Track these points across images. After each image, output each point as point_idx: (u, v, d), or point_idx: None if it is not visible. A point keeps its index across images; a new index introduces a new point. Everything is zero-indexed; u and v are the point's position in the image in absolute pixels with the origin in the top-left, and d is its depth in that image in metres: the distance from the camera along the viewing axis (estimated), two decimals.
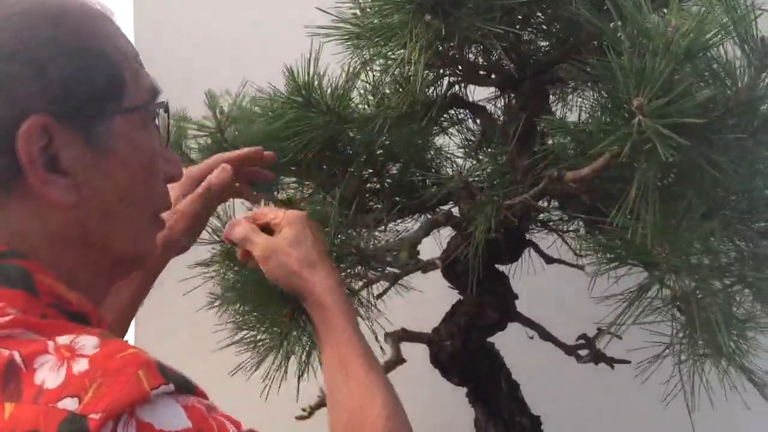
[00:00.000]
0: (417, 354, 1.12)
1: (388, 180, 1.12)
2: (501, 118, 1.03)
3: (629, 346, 0.96)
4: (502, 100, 1.07)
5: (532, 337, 1.10)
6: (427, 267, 1.06)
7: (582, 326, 1.08)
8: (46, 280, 0.60)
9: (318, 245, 0.86)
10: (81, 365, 0.54)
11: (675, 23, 0.77)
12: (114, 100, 0.64)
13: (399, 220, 1.12)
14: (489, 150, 1.03)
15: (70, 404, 0.52)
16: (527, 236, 1.08)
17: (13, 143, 0.59)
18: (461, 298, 1.11)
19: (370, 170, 1.12)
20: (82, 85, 0.62)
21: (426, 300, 1.16)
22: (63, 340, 0.55)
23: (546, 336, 1.08)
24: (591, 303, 0.99)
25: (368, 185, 1.11)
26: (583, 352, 1.04)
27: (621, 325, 0.93)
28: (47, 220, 0.62)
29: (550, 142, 1.05)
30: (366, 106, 1.04)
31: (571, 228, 1.14)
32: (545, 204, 1.06)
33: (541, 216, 1.10)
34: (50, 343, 0.55)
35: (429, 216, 1.07)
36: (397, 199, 1.10)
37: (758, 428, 1.52)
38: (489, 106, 1.08)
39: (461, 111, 1.08)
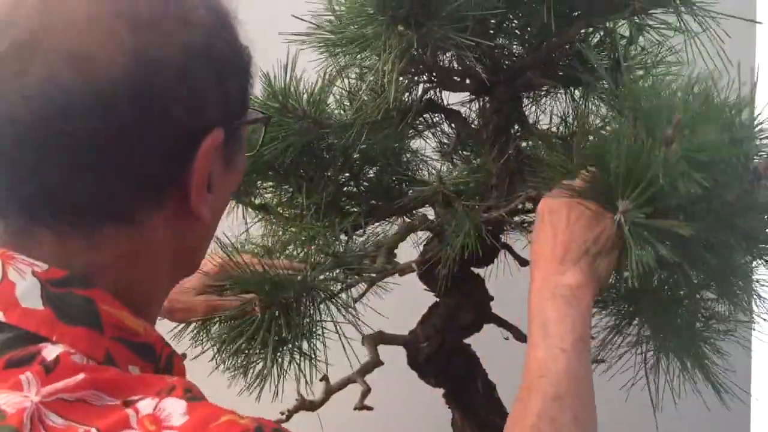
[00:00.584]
0: (395, 356, 1.14)
1: (365, 183, 1.14)
2: (475, 122, 1.05)
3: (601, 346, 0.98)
4: (477, 104, 1.09)
5: (507, 338, 1.11)
6: (403, 270, 1.08)
7: None
8: (112, 310, 0.54)
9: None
10: None
11: (678, 118, 0.75)
12: (246, 111, 0.61)
13: (376, 224, 1.13)
14: (464, 153, 1.05)
15: None
16: (501, 239, 1.09)
17: (182, 156, 0.53)
18: (437, 300, 1.13)
19: (347, 174, 1.13)
20: (241, 96, 0.59)
21: (403, 302, 1.17)
22: (145, 407, 0.48)
23: (521, 337, 1.10)
24: None
25: (345, 189, 1.12)
26: None
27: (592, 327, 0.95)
28: (176, 242, 0.57)
29: (524, 144, 1.07)
30: (342, 112, 1.05)
31: None
32: (520, 206, 1.08)
33: (516, 218, 1.12)
34: (131, 413, 0.47)
35: (406, 219, 1.09)
36: (374, 202, 1.11)
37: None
38: (464, 110, 1.10)
39: (436, 115, 1.10)
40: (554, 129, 1.08)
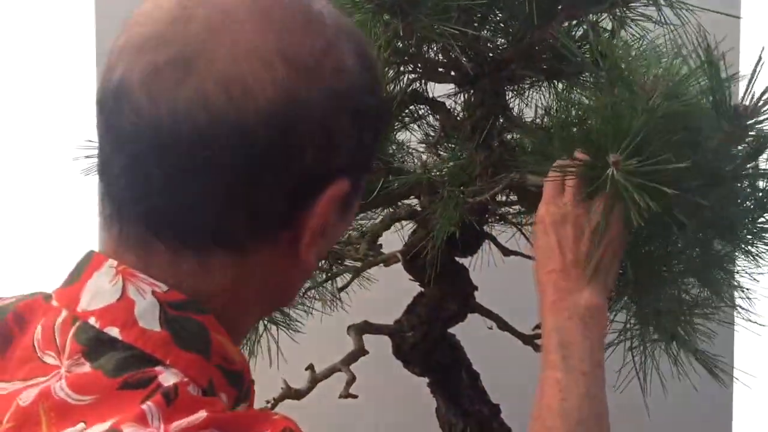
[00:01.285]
0: (380, 345, 1.15)
1: None
2: (460, 115, 1.06)
3: None
4: (462, 97, 1.10)
5: (491, 328, 1.13)
6: (388, 260, 1.09)
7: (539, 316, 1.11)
8: (219, 337, 0.54)
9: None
10: None
11: (655, 76, 0.79)
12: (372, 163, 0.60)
13: (362, 215, 1.14)
14: (449, 145, 1.06)
15: None
16: (485, 229, 1.11)
17: (303, 199, 0.53)
18: (422, 290, 1.14)
19: None
20: (373, 148, 0.57)
21: (389, 293, 1.18)
22: None
23: (504, 326, 1.11)
24: None
25: None
26: (540, 342, 1.07)
27: None
28: (275, 278, 0.56)
29: (509, 137, 1.08)
30: None
31: (529, 222, 1.17)
32: (504, 198, 1.09)
33: (500, 210, 1.13)
34: None
35: (391, 210, 1.10)
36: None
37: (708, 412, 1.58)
38: (449, 102, 1.11)
39: (421, 107, 1.11)
40: (538, 121, 1.10)
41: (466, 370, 1.16)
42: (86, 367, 0.50)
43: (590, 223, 0.80)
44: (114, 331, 0.51)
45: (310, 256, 0.55)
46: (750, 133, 0.81)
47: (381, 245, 1.16)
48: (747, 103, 0.80)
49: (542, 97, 1.11)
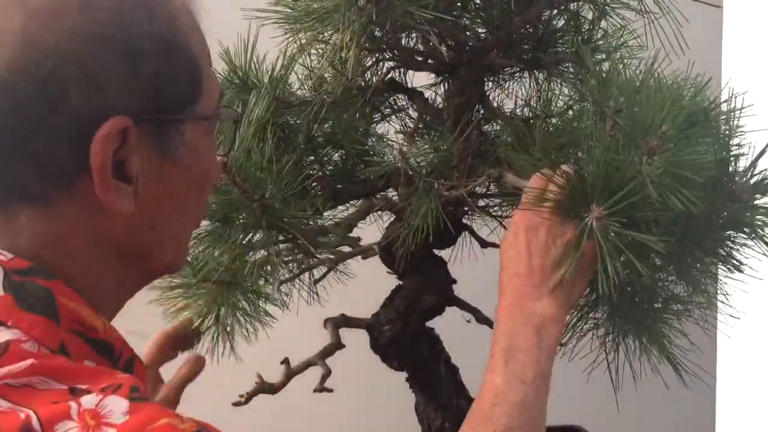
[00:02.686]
0: (358, 340, 1.13)
1: (330, 167, 1.13)
2: (439, 104, 1.05)
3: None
4: (442, 88, 1.09)
5: (469, 321, 1.11)
6: (365, 253, 1.07)
7: None
8: (71, 303, 0.54)
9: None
10: None
11: (665, 130, 0.76)
12: (190, 104, 0.59)
13: (340, 207, 1.13)
14: (427, 136, 1.04)
15: None
16: (465, 221, 1.09)
17: (84, 141, 0.54)
18: (400, 283, 1.12)
19: (311, 157, 1.12)
20: (168, 86, 0.57)
21: (366, 286, 1.17)
22: (88, 402, 0.48)
23: (482, 319, 1.10)
24: None
25: (310, 172, 1.11)
26: None
27: None
28: (92, 227, 0.56)
29: (488, 128, 1.07)
30: (304, 90, 1.04)
31: (508, 214, 1.16)
32: (484, 190, 1.08)
33: (480, 203, 1.12)
34: (73, 406, 0.48)
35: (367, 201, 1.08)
36: (339, 186, 1.11)
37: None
38: (429, 93, 1.10)
39: (400, 97, 1.09)
40: (518, 112, 1.08)
41: (444, 364, 1.14)
42: None
43: (564, 235, 0.77)
44: None
45: (117, 202, 0.55)
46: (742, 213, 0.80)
47: (359, 238, 1.14)
48: (743, 180, 0.80)
49: (522, 88, 1.10)
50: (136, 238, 0.59)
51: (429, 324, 1.14)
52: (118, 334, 0.58)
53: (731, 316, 1.03)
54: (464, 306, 1.13)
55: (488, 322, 1.11)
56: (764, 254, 0.83)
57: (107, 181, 0.55)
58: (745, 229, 0.85)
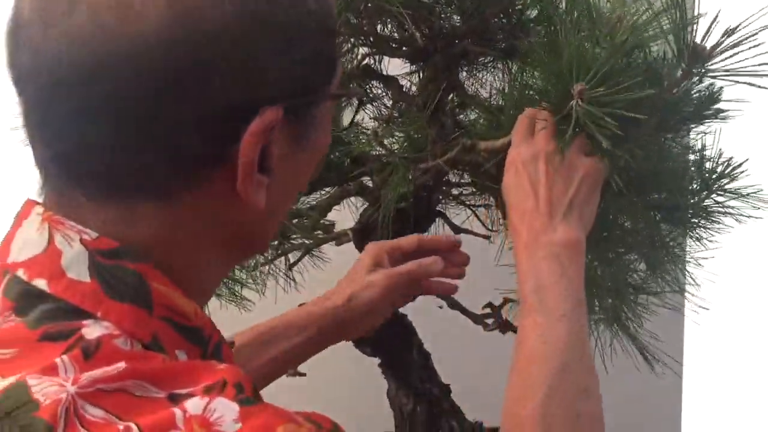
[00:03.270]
0: None
1: None
2: (413, 91, 1.05)
3: None
4: (418, 76, 1.10)
5: (441, 307, 1.12)
6: (339, 238, 1.08)
7: (489, 296, 1.11)
8: (162, 287, 0.49)
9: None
10: None
11: (620, 14, 0.80)
12: (329, 84, 0.53)
13: (315, 194, 1.13)
14: (401, 120, 1.05)
15: None
16: (438, 208, 1.10)
17: (229, 132, 0.48)
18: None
19: None
20: (318, 68, 0.51)
21: (341, 272, 1.17)
22: (193, 407, 0.43)
23: (455, 305, 1.11)
24: (498, 273, 1.03)
25: None
26: (489, 321, 1.08)
27: None
28: (213, 220, 0.51)
29: (461, 116, 1.08)
30: None
31: (481, 203, 1.17)
32: (456, 179, 1.09)
33: (454, 191, 1.13)
34: (177, 413, 0.42)
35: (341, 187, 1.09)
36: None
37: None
38: (405, 82, 1.10)
39: (375, 84, 1.10)
40: (492, 102, 1.10)
41: (417, 350, 1.15)
42: (15, 322, 0.47)
43: (561, 159, 0.76)
44: (41, 283, 0.48)
45: (251, 195, 0.50)
46: (708, 75, 0.81)
47: (333, 224, 1.15)
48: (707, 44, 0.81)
49: (496, 78, 1.11)
50: (255, 227, 0.54)
51: (401, 310, 1.15)
52: (207, 318, 0.53)
53: (700, 306, 1.06)
54: None
55: (460, 308, 1.12)
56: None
57: (252, 176, 0.49)
58: (714, 214, 0.88)
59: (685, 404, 1.89)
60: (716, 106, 0.87)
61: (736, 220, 0.98)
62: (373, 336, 1.14)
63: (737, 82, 0.78)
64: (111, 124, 0.47)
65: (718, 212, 0.98)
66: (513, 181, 0.78)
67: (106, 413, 0.42)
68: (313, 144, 0.54)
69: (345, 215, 1.15)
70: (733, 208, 0.97)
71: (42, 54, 0.47)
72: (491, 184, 1.01)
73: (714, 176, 0.94)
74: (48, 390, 0.43)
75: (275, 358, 0.87)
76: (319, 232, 1.06)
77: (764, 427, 1.73)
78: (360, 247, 1.11)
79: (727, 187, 0.95)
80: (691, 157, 0.99)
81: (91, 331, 0.46)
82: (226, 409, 0.43)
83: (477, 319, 1.09)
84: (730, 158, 0.92)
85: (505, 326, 1.08)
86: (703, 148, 0.97)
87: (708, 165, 0.96)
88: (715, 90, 0.86)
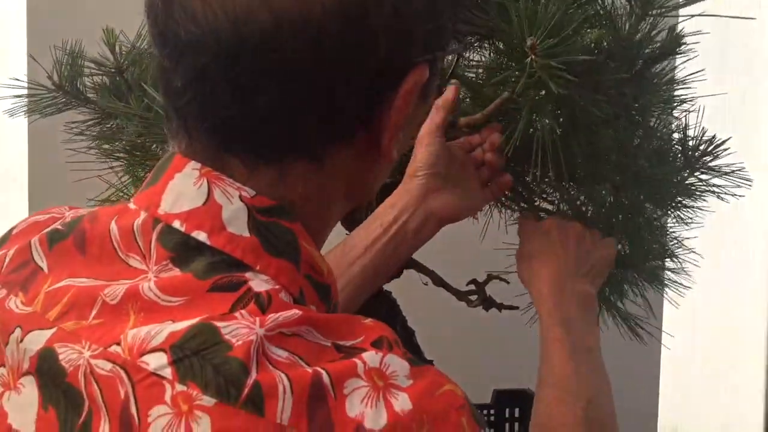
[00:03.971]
0: None
1: None
2: None
3: (517, 292, 1.01)
4: None
5: (426, 284, 1.13)
6: None
7: (474, 273, 1.12)
8: (308, 246, 0.52)
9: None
10: (402, 403, 0.44)
11: None
12: (449, 42, 0.56)
13: None
14: None
15: None
16: None
17: (383, 93, 0.50)
18: None
19: None
20: (448, 25, 0.54)
21: (325, 248, 1.17)
22: (371, 360, 0.45)
23: (439, 282, 1.11)
24: (482, 250, 1.04)
25: None
26: (473, 297, 1.09)
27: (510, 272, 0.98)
28: (352, 178, 0.54)
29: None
30: None
31: None
32: None
33: None
34: (359, 363, 0.45)
35: None
36: None
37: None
38: None
39: None
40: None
41: (401, 327, 1.16)
42: (176, 272, 0.49)
43: (589, 241, 0.88)
44: (202, 236, 0.49)
45: (391, 152, 0.53)
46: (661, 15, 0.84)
47: None
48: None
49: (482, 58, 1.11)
50: (375, 180, 0.57)
51: (386, 287, 1.16)
52: (334, 278, 0.55)
53: (681, 285, 1.08)
54: (421, 268, 1.15)
55: (445, 285, 1.13)
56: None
57: (398, 135, 0.52)
58: (696, 191, 0.90)
59: (663, 372, 1.93)
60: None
61: (719, 197, 1.00)
62: (359, 313, 1.14)
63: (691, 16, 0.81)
64: (275, 93, 0.49)
65: (701, 190, 0.99)
66: (545, 239, 0.88)
67: (290, 354, 0.45)
68: (431, 94, 0.57)
69: None
70: (715, 186, 0.99)
71: (203, 26, 0.48)
72: None
73: (697, 154, 0.95)
74: (239, 332, 0.45)
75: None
76: None
77: (739, 396, 1.77)
78: (345, 223, 1.11)
79: (710, 164, 0.96)
80: (675, 135, 1.00)
81: (258, 284, 0.48)
82: (398, 365, 0.46)
83: (461, 295, 1.10)
84: (713, 136, 0.93)
85: (489, 303, 1.09)
86: (686, 126, 0.98)
87: (691, 143, 0.97)
88: (678, 31, 0.88)
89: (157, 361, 0.44)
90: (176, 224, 0.50)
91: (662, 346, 1.74)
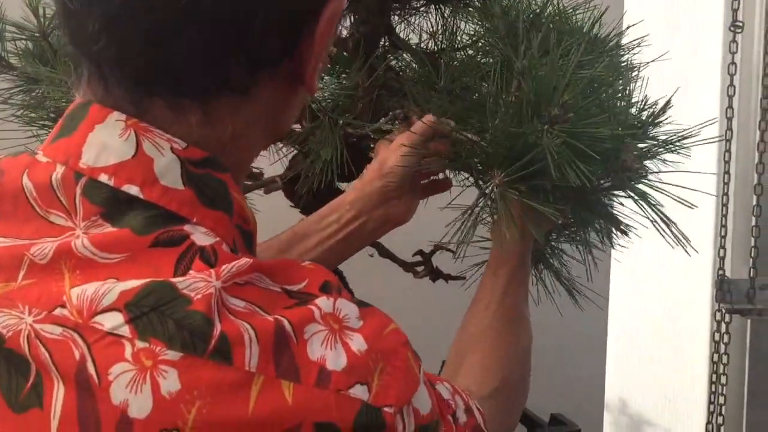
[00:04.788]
0: None
1: None
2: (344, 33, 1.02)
3: (466, 263, 1.00)
4: (349, 19, 1.06)
5: (371, 255, 1.12)
6: (267, 185, 1.05)
7: (420, 244, 1.11)
8: (237, 195, 0.52)
9: None
10: (358, 343, 0.46)
11: (565, 101, 0.79)
12: None
13: None
14: (331, 68, 1.02)
15: (362, 393, 0.45)
16: (370, 155, 1.08)
17: (303, 21, 0.50)
18: (303, 218, 1.11)
19: None
20: None
21: (270, 220, 1.15)
22: (325, 305, 0.47)
23: (385, 253, 1.10)
24: (428, 221, 1.02)
25: None
26: (419, 269, 1.08)
27: (456, 243, 0.97)
28: (273, 114, 0.54)
29: (393, 62, 1.05)
30: None
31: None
32: (389, 126, 1.07)
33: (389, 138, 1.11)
34: (315, 310, 0.47)
35: None
36: None
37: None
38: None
39: None
40: (423, 46, 1.07)
41: None
42: (107, 228, 0.47)
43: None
44: (133, 190, 0.48)
45: (314, 81, 0.53)
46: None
47: (262, 173, 1.12)
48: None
49: (427, 22, 1.09)
50: (293, 114, 0.57)
51: None
52: (255, 224, 0.55)
53: (622, 245, 1.08)
54: None
55: (391, 256, 1.11)
56: (651, 219, 0.87)
57: (319, 63, 0.52)
58: (632, 195, 0.89)
59: (610, 336, 1.96)
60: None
61: (662, 162, 1.00)
62: None
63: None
64: (194, 33, 0.47)
65: (642, 157, 0.99)
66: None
67: (247, 303, 0.46)
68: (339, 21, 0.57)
69: (271, 160, 1.12)
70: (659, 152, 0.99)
71: None
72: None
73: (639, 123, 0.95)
74: (196, 285, 0.45)
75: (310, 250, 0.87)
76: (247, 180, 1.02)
77: (680, 359, 1.82)
78: (290, 195, 1.09)
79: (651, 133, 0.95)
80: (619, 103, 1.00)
81: (199, 238, 0.47)
82: (348, 309, 0.48)
83: (407, 266, 1.09)
84: (654, 103, 0.93)
85: (436, 274, 1.08)
86: (630, 94, 0.97)
87: (633, 110, 0.96)
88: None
89: (112, 321, 0.44)
90: (103, 178, 0.48)
91: (608, 317, 1.77)
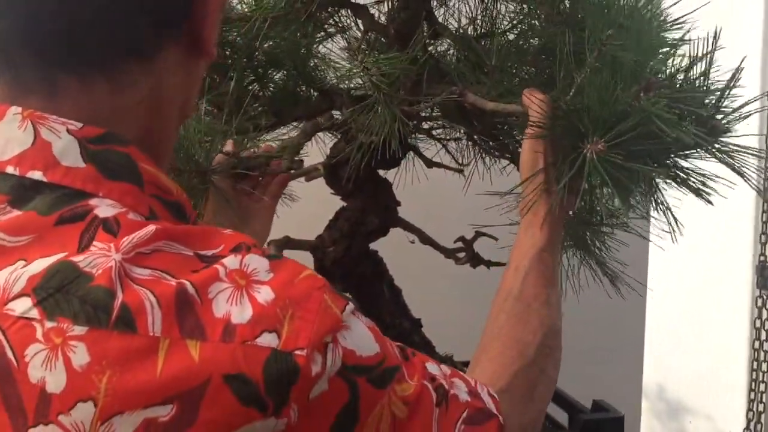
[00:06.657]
0: (302, 261, 1.12)
1: (271, 87, 1.10)
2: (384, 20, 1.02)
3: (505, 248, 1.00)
4: (387, 5, 1.06)
5: (413, 242, 1.12)
6: (309, 174, 1.06)
7: (461, 230, 1.11)
8: (148, 167, 0.52)
9: None
10: (265, 294, 0.47)
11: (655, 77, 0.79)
12: None
13: (282, 128, 1.10)
14: (372, 54, 1.02)
15: (270, 340, 0.46)
16: (410, 142, 1.08)
17: None
18: (344, 204, 1.11)
19: (252, 76, 1.08)
20: None
21: (310, 208, 1.15)
22: (231, 263, 0.48)
23: (426, 240, 1.10)
24: (469, 207, 1.02)
25: (249, 88, 1.08)
26: (461, 255, 1.08)
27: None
28: (181, 79, 0.55)
29: (431, 48, 1.05)
30: (244, 6, 1.00)
31: (453, 136, 1.16)
32: (427, 113, 1.07)
33: (425, 125, 1.11)
34: (220, 269, 0.47)
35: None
36: (281, 106, 1.08)
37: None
38: (374, 11, 1.07)
39: (345, 14, 1.06)
40: (462, 31, 1.07)
41: (387, 285, 1.15)
42: (15, 213, 0.48)
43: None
44: (37, 174, 0.49)
45: (213, 46, 0.55)
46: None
47: (302, 160, 1.12)
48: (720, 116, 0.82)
49: (467, 6, 1.08)
50: (197, 89, 0.58)
51: (372, 246, 1.15)
52: (185, 196, 0.56)
53: (663, 230, 1.07)
54: (408, 227, 1.13)
55: (432, 243, 1.12)
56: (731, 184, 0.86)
57: (216, 26, 0.54)
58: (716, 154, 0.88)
59: (648, 324, 1.94)
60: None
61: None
62: (344, 271, 1.13)
63: None
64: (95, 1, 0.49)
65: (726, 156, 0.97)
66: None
67: (153, 271, 0.47)
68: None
69: (312, 149, 1.12)
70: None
71: None
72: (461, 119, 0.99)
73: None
74: (96, 261, 0.46)
75: None
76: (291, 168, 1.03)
77: (720, 347, 1.79)
78: (330, 183, 1.09)
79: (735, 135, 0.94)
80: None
81: (103, 210, 0.49)
82: (258, 263, 0.49)
83: (448, 253, 1.09)
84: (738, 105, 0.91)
85: (477, 260, 1.08)
86: (711, 59, 0.95)
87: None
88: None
89: (22, 306, 0.45)
90: (10, 170, 0.50)
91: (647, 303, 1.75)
